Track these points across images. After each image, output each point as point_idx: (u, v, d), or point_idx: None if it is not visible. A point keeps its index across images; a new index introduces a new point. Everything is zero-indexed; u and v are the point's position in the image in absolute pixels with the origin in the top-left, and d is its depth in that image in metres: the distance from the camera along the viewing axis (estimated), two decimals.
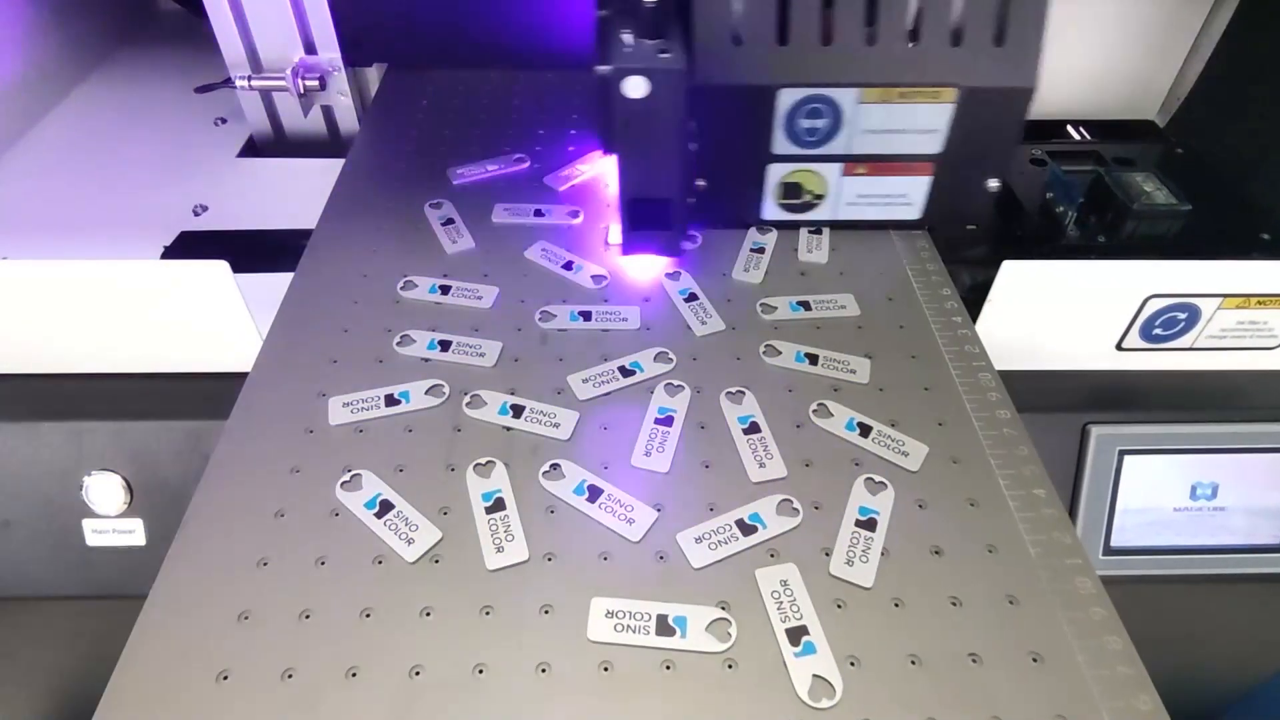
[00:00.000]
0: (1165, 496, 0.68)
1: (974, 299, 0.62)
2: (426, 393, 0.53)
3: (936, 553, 0.45)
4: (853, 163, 0.62)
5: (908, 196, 0.65)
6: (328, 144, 0.88)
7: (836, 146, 0.61)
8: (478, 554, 0.44)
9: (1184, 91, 0.94)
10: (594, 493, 0.47)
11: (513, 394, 0.53)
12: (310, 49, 0.82)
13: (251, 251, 0.72)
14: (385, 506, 0.46)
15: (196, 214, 0.77)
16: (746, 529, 0.46)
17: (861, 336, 0.58)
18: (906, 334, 0.58)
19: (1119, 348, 0.67)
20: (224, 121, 0.90)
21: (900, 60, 0.58)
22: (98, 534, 0.65)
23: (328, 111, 0.87)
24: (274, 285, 0.61)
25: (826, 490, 0.48)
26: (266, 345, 0.56)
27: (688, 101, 0.53)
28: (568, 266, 0.63)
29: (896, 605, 0.43)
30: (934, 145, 0.61)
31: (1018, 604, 0.43)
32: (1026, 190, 0.80)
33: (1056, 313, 0.65)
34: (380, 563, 0.44)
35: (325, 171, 0.75)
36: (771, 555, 0.45)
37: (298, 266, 0.62)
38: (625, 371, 0.54)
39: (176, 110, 0.92)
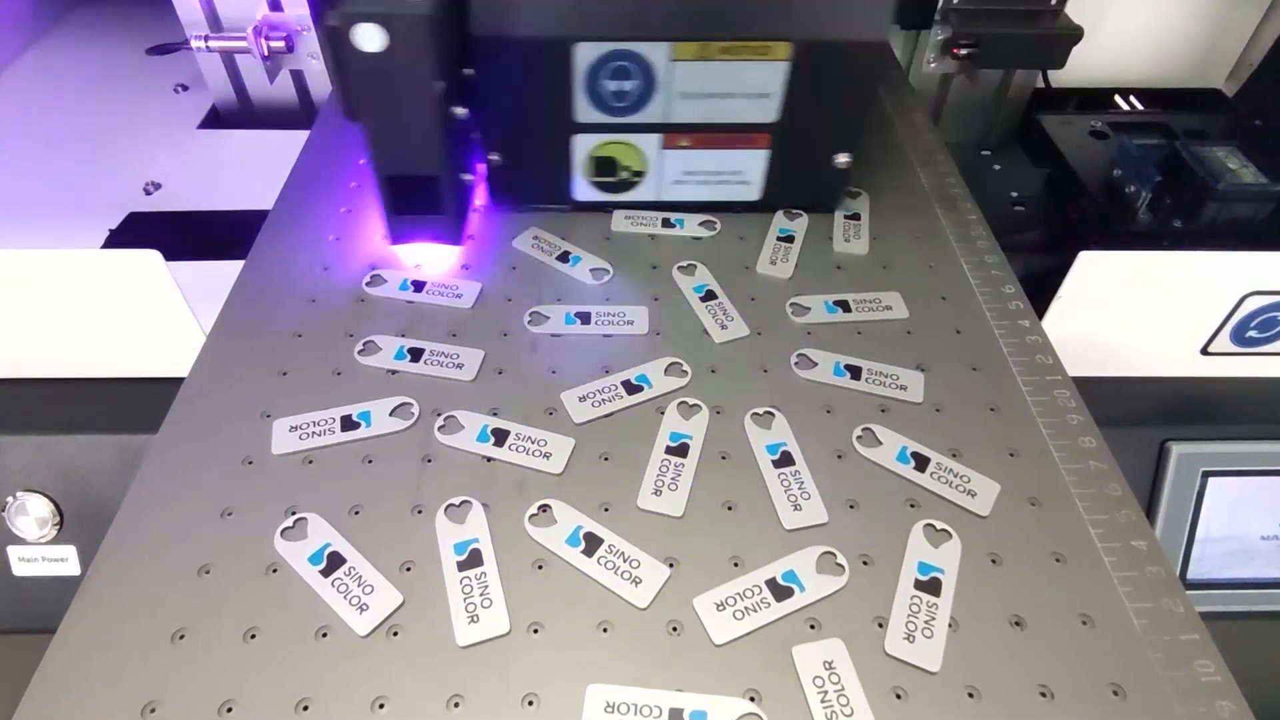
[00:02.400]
0: (1252, 524, 0.60)
1: (1028, 293, 0.53)
2: (392, 413, 0.44)
3: (1017, 624, 0.36)
4: (673, 133, 0.53)
5: (744, 174, 0.55)
6: (299, 114, 0.79)
7: (652, 114, 0.52)
8: (446, 625, 0.36)
9: (1257, 58, 0.84)
10: (592, 543, 0.39)
11: (495, 415, 0.44)
12: (275, 5, 0.72)
13: (206, 236, 0.64)
14: (334, 561, 0.38)
15: (148, 192, 0.69)
16: (780, 591, 0.37)
17: (912, 343, 0.49)
18: (965, 340, 0.49)
19: (1205, 352, 0.58)
20: (185, 89, 0.81)
21: (721, 8, 0.48)
22: (25, 562, 0.57)
23: (298, 77, 0.77)
24: (229, 276, 0.52)
25: (877, 540, 0.39)
26: (203, 354, 0.47)
27: (444, 55, 0.44)
28: (564, 258, 0.54)
29: (971, 696, 0.34)
30: (768, 113, 0.52)
31: (1124, 695, 0.34)
32: (1087, 166, 0.71)
33: (1135, 311, 0.55)
34: (325, 636, 0.35)
35: (294, 145, 0.65)
36: (812, 627, 0.36)
37: (247, 257, 0.53)
38: (630, 387, 0.45)
39: (134, 76, 0.83)
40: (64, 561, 0.56)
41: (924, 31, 0.77)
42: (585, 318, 0.49)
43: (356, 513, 0.40)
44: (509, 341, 0.48)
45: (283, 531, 0.39)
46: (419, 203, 0.50)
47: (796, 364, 0.47)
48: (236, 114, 0.78)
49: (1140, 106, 0.90)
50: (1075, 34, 0.69)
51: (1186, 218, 0.64)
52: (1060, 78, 0.85)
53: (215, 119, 0.78)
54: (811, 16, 0.48)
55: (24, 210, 0.67)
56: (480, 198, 0.58)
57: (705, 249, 0.55)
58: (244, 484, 0.41)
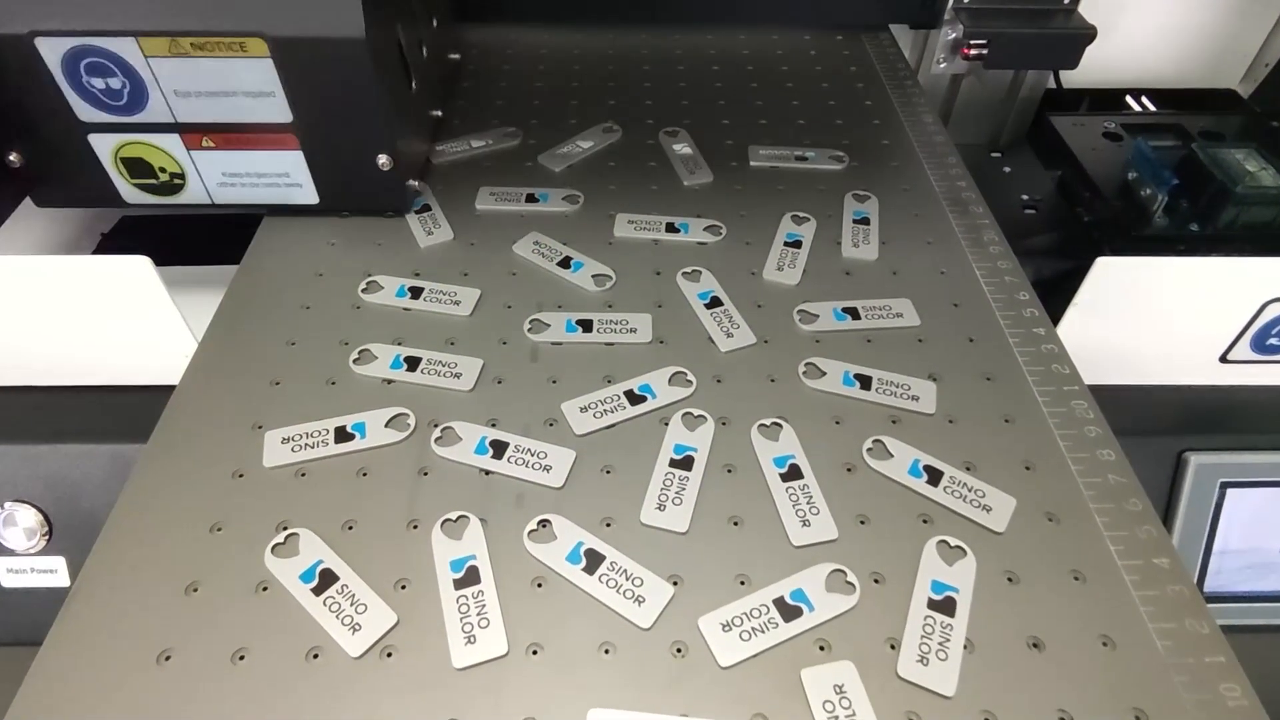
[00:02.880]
0: (1272, 536, 0.58)
1: (1041, 298, 0.52)
2: (387, 424, 0.43)
3: (1035, 646, 0.35)
4: (190, 133, 0.51)
5: (290, 176, 0.53)
6: None
7: (156, 112, 0.49)
8: (442, 646, 0.34)
9: (1273, 58, 0.83)
10: (593, 560, 0.37)
11: (494, 426, 0.43)
12: None
13: (202, 238, 0.62)
14: (327, 579, 0.36)
15: None
16: (788, 611, 0.36)
17: (923, 352, 0.47)
18: (978, 349, 0.48)
19: (1224, 360, 0.56)
20: None
21: (190, 1, 0.46)
22: (14, 574, 0.55)
23: None
24: (225, 279, 0.51)
25: (889, 557, 0.38)
26: (194, 363, 0.46)
27: None
28: (565, 264, 0.52)
29: None
30: (281, 112, 0.50)
31: None
32: (1101, 168, 0.69)
33: (1152, 318, 0.54)
34: (316, 657, 0.34)
35: None
36: (821, 648, 0.35)
37: (241, 262, 0.52)
38: (634, 397, 0.44)
39: None
40: (53, 573, 0.55)
41: (933, 31, 0.76)
42: (587, 325, 0.48)
43: (350, 528, 0.38)
44: (508, 350, 0.47)
45: (274, 548, 0.37)
46: None
47: (804, 373, 0.46)
48: None
49: (1152, 107, 0.88)
50: (1089, 33, 0.68)
51: (1204, 221, 0.62)
52: (1070, 77, 0.84)
53: None
54: (280, 11, 0.46)
55: (14, 213, 0.65)
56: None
57: (710, 254, 0.53)
58: (234, 497, 0.39)
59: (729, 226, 0.55)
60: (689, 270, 0.52)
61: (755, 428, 0.43)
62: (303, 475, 0.40)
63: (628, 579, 0.37)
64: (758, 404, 0.44)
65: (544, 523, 0.39)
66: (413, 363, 0.46)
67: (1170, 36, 0.87)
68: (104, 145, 0.52)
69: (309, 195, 0.54)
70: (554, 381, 0.45)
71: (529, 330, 0.48)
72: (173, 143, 0.51)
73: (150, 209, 0.55)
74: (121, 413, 0.53)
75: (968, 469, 0.41)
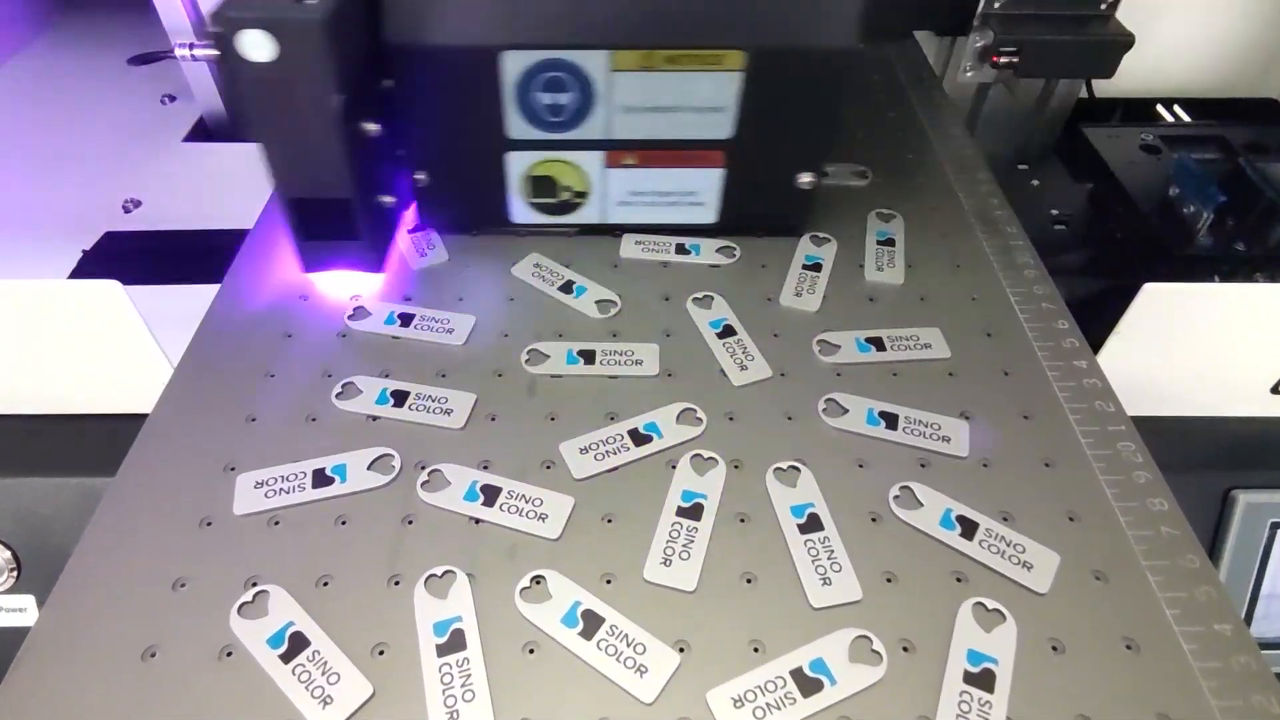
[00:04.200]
0: None
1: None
2: (370, 467, 0.39)
3: None
4: (617, 150, 0.48)
5: (698, 194, 0.50)
6: None
7: (593, 130, 0.47)
8: None
9: None
10: (591, 623, 0.34)
11: (485, 469, 0.39)
12: None
13: (184, 257, 0.59)
14: (297, 643, 0.33)
15: (127, 210, 0.65)
16: (807, 685, 0.32)
17: (954, 387, 0.44)
18: (1014, 384, 0.44)
19: (1276, 390, 0.52)
20: (172, 99, 0.76)
21: (666, 13, 0.43)
22: None
23: None
24: (206, 300, 0.48)
25: (919, 622, 0.34)
26: (164, 397, 0.42)
27: (347, 65, 0.39)
28: (567, 288, 0.49)
29: None
30: (722, 128, 0.47)
31: None
32: (1138, 183, 0.65)
33: (1200, 347, 0.50)
34: None
35: None
36: None
37: (220, 286, 0.49)
38: (638, 437, 0.41)
39: (119, 86, 0.78)
40: (22, 612, 0.52)
41: (959, 38, 0.72)
42: (589, 356, 0.44)
43: (325, 584, 0.35)
44: (503, 383, 0.43)
45: (240, 607, 0.34)
46: (331, 227, 0.45)
47: (825, 410, 0.42)
48: (225, 126, 0.74)
49: (1186, 118, 0.84)
50: (1127, 40, 0.64)
51: (1251, 241, 0.58)
52: (1101, 86, 0.80)
53: (203, 132, 0.73)
54: (769, 21, 0.43)
55: None
56: (410, 221, 0.53)
57: (723, 278, 0.50)
58: (200, 550, 0.36)
59: (743, 248, 0.52)
60: (700, 296, 0.48)
61: (771, 471, 0.39)
62: (276, 524, 0.37)
63: (629, 645, 0.33)
64: (774, 445, 0.41)
65: (538, 579, 0.35)
66: (400, 397, 0.42)
67: (1205, 44, 0.83)
68: (518, 164, 0.49)
69: (709, 215, 0.52)
70: (552, 419, 0.42)
71: (526, 362, 0.44)
72: (593, 160, 0.49)
73: (529, 228, 0.52)
74: (94, 443, 0.51)
75: (1005, 520, 0.38)
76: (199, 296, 0.48)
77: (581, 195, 0.50)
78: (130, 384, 0.49)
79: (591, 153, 0.48)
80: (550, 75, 0.44)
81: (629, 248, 0.52)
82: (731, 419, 0.42)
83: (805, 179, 0.49)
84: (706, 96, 0.45)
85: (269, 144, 0.41)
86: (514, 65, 0.44)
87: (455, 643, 0.33)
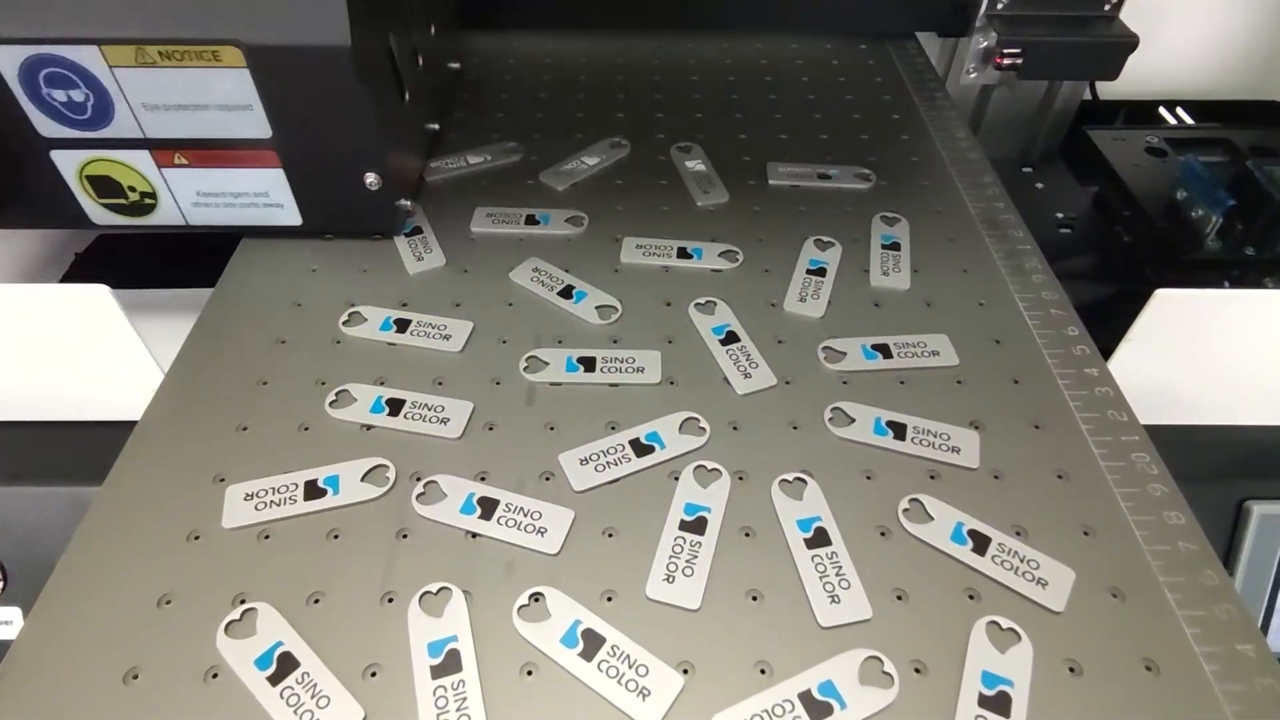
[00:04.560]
0: None
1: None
2: (364, 478, 0.38)
3: None
4: (162, 149, 0.47)
5: (270, 195, 0.49)
6: None
7: (123, 127, 0.45)
8: None
9: None
10: (591, 642, 0.33)
11: (483, 480, 0.38)
12: None
13: (185, 257, 0.58)
14: (286, 664, 0.32)
15: None
16: (817, 709, 0.31)
17: (963, 395, 0.43)
18: (1024, 392, 0.43)
19: None
20: None
21: (149, 6, 0.42)
22: None
23: None
24: (200, 303, 0.47)
25: (931, 642, 0.33)
26: (154, 405, 0.41)
27: None
28: (566, 293, 0.48)
29: None
30: (260, 127, 0.45)
31: None
32: (1145, 186, 0.64)
33: (1214, 354, 0.49)
34: None
35: None
36: None
37: (213, 291, 0.48)
38: (640, 447, 0.39)
39: None
40: (8, 625, 0.50)
41: (962, 39, 0.71)
42: (589, 364, 0.43)
43: (316, 601, 0.34)
44: (501, 392, 0.42)
45: (227, 626, 0.33)
46: None
47: (831, 420, 0.41)
48: None
49: (1189, 120, 0.83)
50: (1131, 42, 0.63)
51: (1261, 245, 0.57)
52: (1105, 88, 0.79)
53: None
54: (257, 18, 0.42)
55: None
56: None
57: (725, 283, 0.49)
58: (187, 565, 0.35)
59: (746, 252, 0.51)
60: (702, 301, 0.47)
61: (776, 483, 0.38)
62: (266, 538, 0.36)
63: (630, 666, 0.32)
64: (779, 455, 0.39)
65: (536, 597, 0.34)
66: (395, 406, 0.41)
67: (1208, 45, 0.82)
68: (68, 163, 0.47)
69: (291, 216, 0.50)
70: (551, 428, 0.40)
71: (525, 369, 0.43)
72: (143, 160, 0.47)
73: (121, 230, 0.51)
74: (83, 452, 0.49)
75: (1017, 534, 0.36)
76: (195, 299, 0.47)
77: (150, 196, 0.49)
78: (120, 391, 0.47)
79: (135, 151, 0.47)
80: (50, 71, 0.43)
81: (630, 252, 0.50)
82: (735, 428, 0.41)
83: (370, 179, 0.48)
84: (228, 94, 0.44)
85: None
86: (7, 60, 0.42)
87: (450, 664, 0.32)
